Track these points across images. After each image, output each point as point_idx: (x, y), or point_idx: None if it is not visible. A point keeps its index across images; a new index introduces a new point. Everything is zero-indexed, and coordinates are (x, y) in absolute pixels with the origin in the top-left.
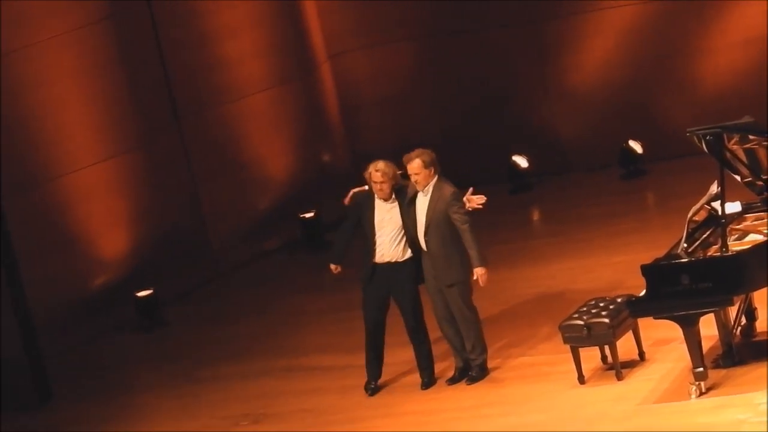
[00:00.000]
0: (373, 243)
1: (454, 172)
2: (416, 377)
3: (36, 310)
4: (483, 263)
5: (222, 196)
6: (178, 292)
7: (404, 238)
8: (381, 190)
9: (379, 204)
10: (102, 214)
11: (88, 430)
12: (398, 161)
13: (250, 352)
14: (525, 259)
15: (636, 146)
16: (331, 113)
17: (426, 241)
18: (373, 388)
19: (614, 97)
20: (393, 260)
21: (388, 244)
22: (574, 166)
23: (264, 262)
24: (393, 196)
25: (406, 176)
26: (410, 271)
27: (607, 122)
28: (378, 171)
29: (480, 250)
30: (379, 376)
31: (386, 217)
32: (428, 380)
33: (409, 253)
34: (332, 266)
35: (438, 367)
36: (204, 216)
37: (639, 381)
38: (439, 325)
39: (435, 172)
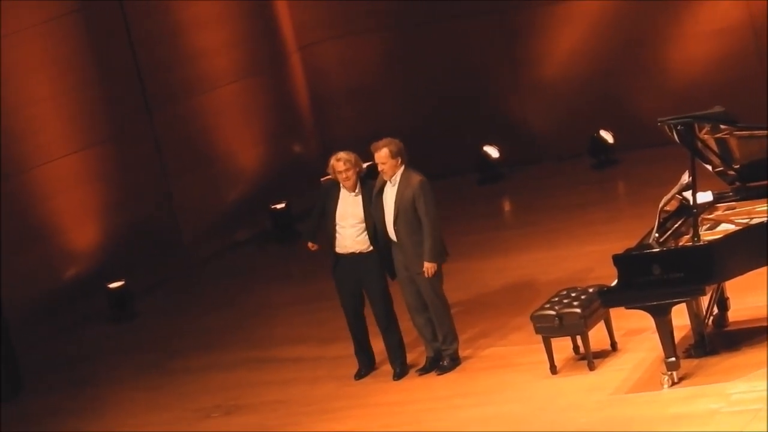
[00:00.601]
0: (334, 234)
1: (425, 163)
2: (388, 367)
3: (7, 302)
4: (433, 259)
5: (193, 187)
6: (150, 284)
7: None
8: (347, 179)
9: (343, 194)
10: (73, 206)
11: (58, 422)
12: (369, 152)
13: (222, 344)
14: (496, 249)
15: (607, 136)
16: (302, 104)
17: (396, 231)
18: (362, 374)
19: (585, 87)
20: (357, 251)
21: (352, 236)
22: (545, 156)
23: (235, 253)
24: (358, 186)
25: (372, 173)
26: (378, 262)
27: (577, 112)
28: (339, 160)
29: (434, 245)
30: (370, 363)
31: (349, 209)
32: (400, 370)
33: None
34: (309, 244)
35: (408, 357)
36: (175, 207)
37: (611, 371)
38: (410, 315)
39: (402, 162)
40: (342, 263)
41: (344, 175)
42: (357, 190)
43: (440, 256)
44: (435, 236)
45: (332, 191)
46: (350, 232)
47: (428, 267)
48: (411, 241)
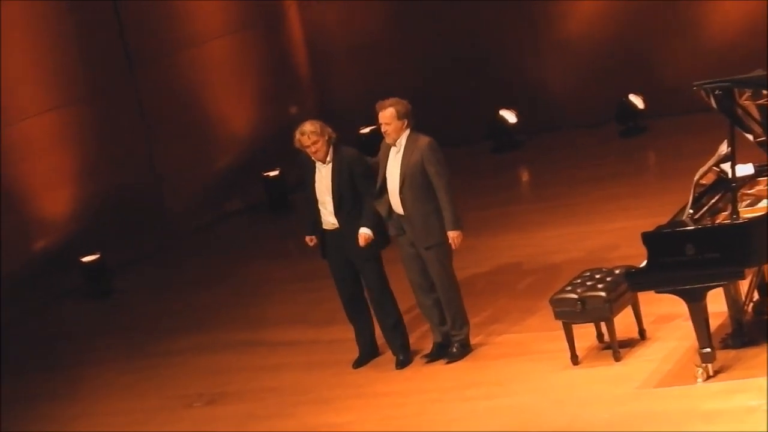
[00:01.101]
0: (317, 209)
1: (433, 128)
2: (390, 354)
3: None
4: (457, 226)
5: (179, 152)
6: (130, 257)
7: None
8: (317, 151)
9: (318, 167)
10: (45, 171)
11: (33, 405)
12: (372, 114)
13: (208, 325)
14: (511, 225)
15: (637, 101)
16: (299, 62)
17: (402, 200)
18: (362, 362)
19: (612, 47)
20: (340, 226)
21: (331, 210)
22: (567, 123)
23: (224, 225)
24: (330, 155)
25: (374, 140)
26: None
27: (603, 74)
28: (304, 134)
29: (455, 212)
30: (372, 350)
31: (324, 181)
32: (404, 358)
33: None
34: (307, 238)
35: (411, 341)
36: (159, 174)
37: (639, 362)
38: (415, 296)
39: (408, 125)
40: (329, 240)
41: (313, 149)
42: (329, 159)
43: (460, 223)
44: (453, 201)
45: (309, 164)
46: (331, 207)
47: (453, 236)
48: (418, 211)
